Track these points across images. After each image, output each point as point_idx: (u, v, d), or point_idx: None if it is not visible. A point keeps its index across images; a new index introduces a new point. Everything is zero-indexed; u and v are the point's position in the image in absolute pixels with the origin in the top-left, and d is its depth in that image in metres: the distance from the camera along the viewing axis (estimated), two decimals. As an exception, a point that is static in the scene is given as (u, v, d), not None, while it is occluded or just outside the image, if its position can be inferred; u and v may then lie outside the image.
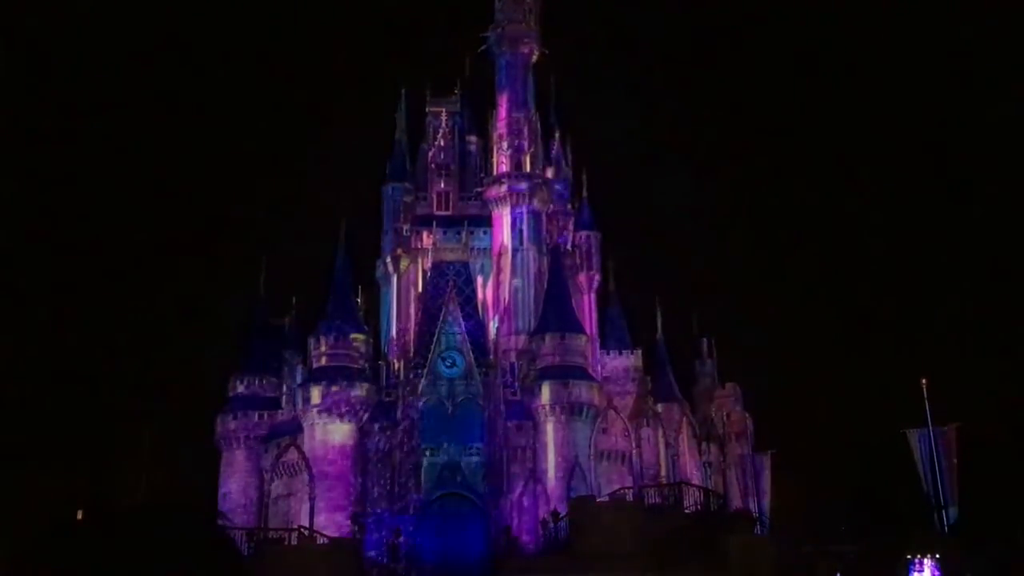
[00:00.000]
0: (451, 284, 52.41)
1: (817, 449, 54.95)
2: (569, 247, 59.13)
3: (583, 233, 59.53)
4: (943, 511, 39.64)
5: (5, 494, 47.90)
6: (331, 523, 45.94)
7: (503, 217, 56.91)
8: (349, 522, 45.21)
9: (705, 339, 59.44)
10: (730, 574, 35.03)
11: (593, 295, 59.02)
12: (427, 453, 48.16)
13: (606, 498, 44.15)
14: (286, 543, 41.46)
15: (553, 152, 61.89)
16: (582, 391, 49.84)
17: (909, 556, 34.50)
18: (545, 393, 49.58)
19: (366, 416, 49.05)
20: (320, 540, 42.16)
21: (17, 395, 59.60)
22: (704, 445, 53.78)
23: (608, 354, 57.13)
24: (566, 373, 49.95)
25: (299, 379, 52.09)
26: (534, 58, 60.51)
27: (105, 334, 69.34)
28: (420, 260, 56.73)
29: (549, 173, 60.46)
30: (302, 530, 42.87)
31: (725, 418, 55.58)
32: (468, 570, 44.35)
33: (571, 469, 48.33)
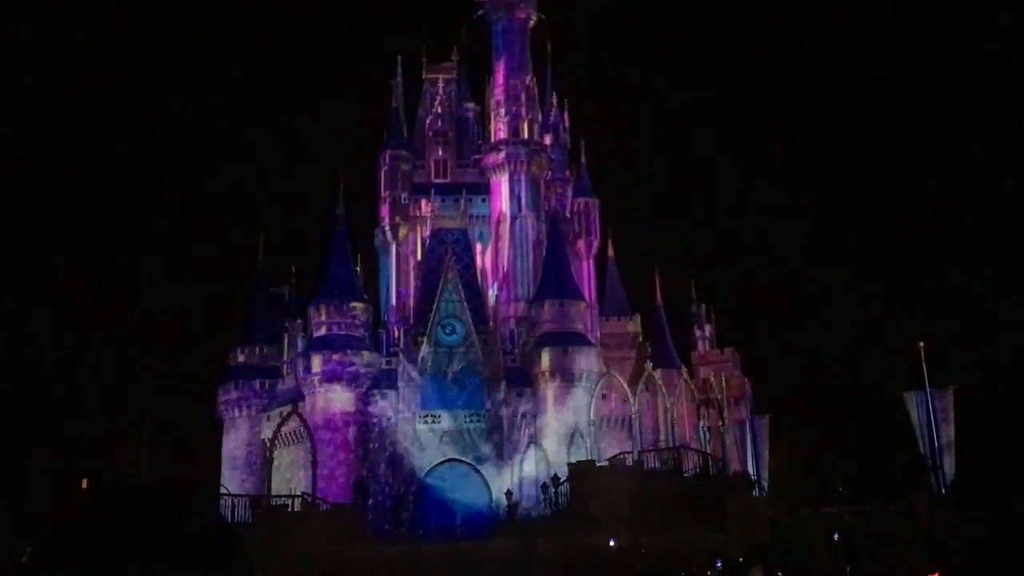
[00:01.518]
0: (450, 252, 52.51)
1: (815, 412, 55.20)
2: (568, 214, 59.15)
3: (582, 199, 59.59)
4: (940, 472, 39.95)
5: (9, 468, 48.26)
6: (334, 489, 46.39)
7: (501, 184, 56.84)
8: (352, 488, 45.62)
9: (703, 305, 59.65)
10: (728, 536, 35.40)
11: (592, 261, 59.21)
12: (428, 420, 48.51)
13: (606, 463, 44.47)
14: (289, 509, 41.88)
15: (551, 119, 61.68)
16: (581, 357, 50.11)
17: None
18: (544, 359, 49.85)
19: (367, 384, 49.32)
20: (323, 506, 42.57)
21: (18, 370, 59.87)
22: (702, 410, 53.99)
23: (607, 320, 57.43)
24: (565, 339, 50.19)
25: (300, 348, 52.32)
26: (531, 23, 60.09)
27: (105, 306, 69.49)
28: (418, 228, 56.76)
29: (547, 140, 60.35)
30: (305, 496, 43.25)
31: (723, 383, 55.78)
32: (470, 534, 44.81)
33: (571, 435, 48.73)
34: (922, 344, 40.71)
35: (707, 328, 58.89)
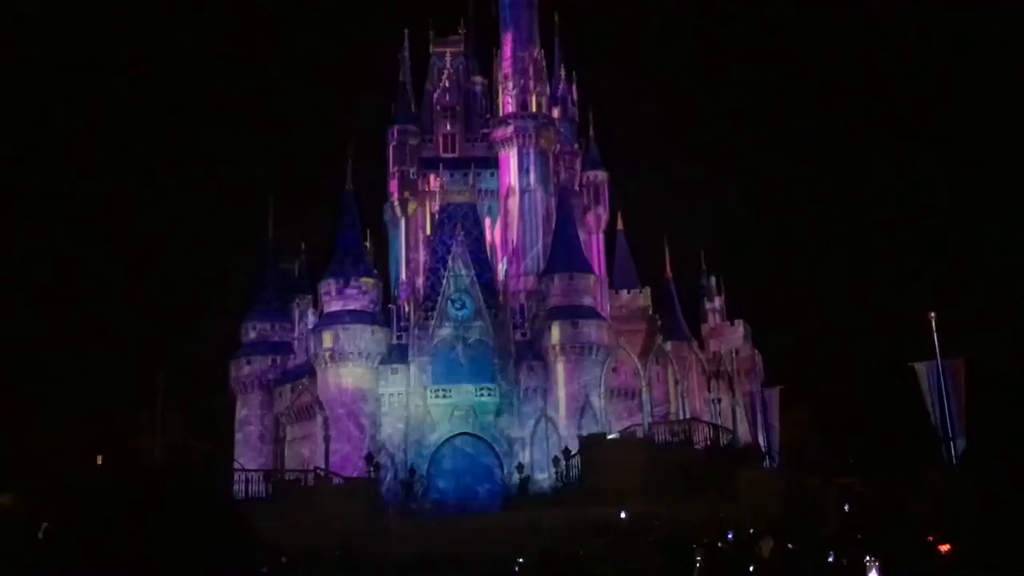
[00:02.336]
0: (459, 227, 52.31)
1: (825, 384, 55.20)
2: (577, 187, 58.94)
3: (590, 173, 59.39)
4: (951, 443, 39.93)
5: (23, 441, 48.69)
6: (347, 464, 46.68)
7: (510, 158, 56.65)
8: (364, 463, 45.89)
9: (713, 277, 59.48)
10: (740, 507, 35.50)
11: (601, 235, 59.13)
12: (439, 395, 48.63)
13: (616, 435, 44.61)
14: (303, 483, 42.21)
15: (559, 91, 61.36)
16: (591, 331, 50.13)
17: None
18: (555, 333, 49.88)
19: (378, 359, 49.49)
20: (336, 480, 42.86)
21: (33, 345, 60.22)
22: (713, 382, 54.11)
23: (617, 293, 57.37)
24: (575, 313, 50.19)
25: (311, 323, 52.47)
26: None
27: (116, 282, 69.69)
28: (427, 203, 56.69)
29: (555, 113, 60.02)
30: (318, 471, 43.57)
31: (734, 355, 55.82)
32: (483, 508, 45.10)
33: (582, 408, 48.85)
34: (933, 314, 40.62)
35: (717, 300, 58.77)
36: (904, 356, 43.40)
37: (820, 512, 32.40)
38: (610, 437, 44.36)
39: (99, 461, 44.98)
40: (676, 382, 50.82)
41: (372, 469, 45.14)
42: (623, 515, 33.85)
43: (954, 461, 39.84)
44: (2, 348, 56.34)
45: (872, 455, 43.85)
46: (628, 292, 57.32)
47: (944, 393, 40.43)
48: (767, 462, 45.39)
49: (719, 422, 50.24)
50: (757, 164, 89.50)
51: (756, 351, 57.20)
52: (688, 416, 48.16)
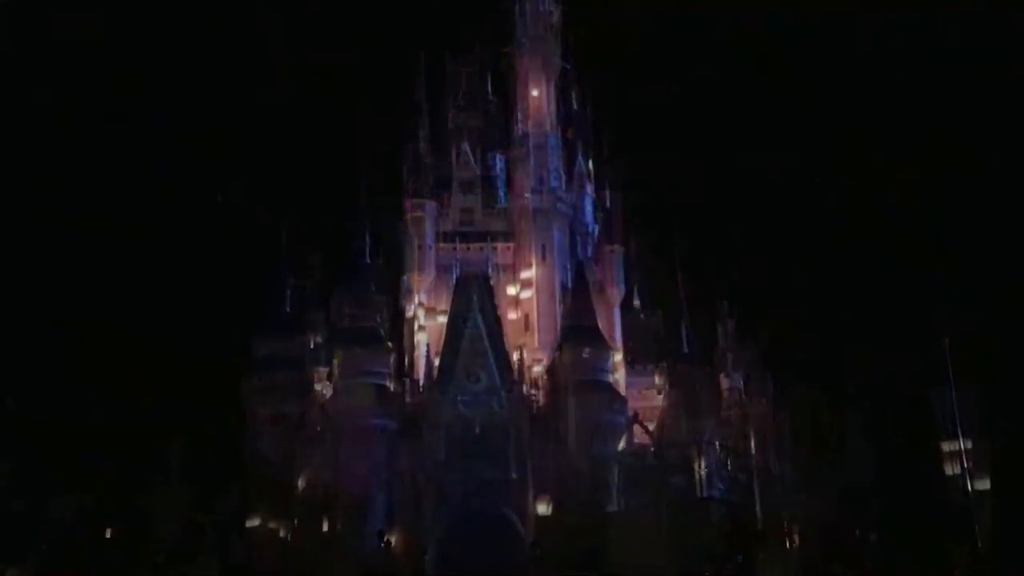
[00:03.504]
0: (475, 299, 52.02)
1: (839, 411, 53.91)
2: (593, 262, 58.75)
3: (607, 247, 59.13)
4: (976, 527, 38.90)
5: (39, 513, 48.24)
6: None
7: (529, 233, 56.88)
8: (376, 537, 45.06)
9: (730, 353, 58.78)
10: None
11: (617, 309, 58.41)
12: (452, 471, 47.95)
13: (633, 513, 44.08)
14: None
15: (576, 167, 61.66)
16: (607, 406, 49.74)
17: None
18: (570, 408, 49.44)
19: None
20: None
21: (44, 376, 59.16)
22: (731, 459, 53.41)
23: (633, 368, 56.77)
24: (591, 387, 49.86)
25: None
26: (556, 72, 60.41)
27: (126, 299, 68.84)
28: (444, 275, 56.63)
29: (573, 188, 60.29)
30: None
31: (752, 431, 55.14)
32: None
33: (598, 484, 48.11)
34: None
35: (735, 376, 57.82)
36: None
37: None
38: (623, 514, 43.91)
39: (107, 535, 44.54)
40: (694, 460, 49.95)
41: (384, 545, 44.39)
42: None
43: (979, 544, 38.82)
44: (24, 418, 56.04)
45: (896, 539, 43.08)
46: (644, 368, 56.83)
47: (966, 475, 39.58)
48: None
49: (736, 500, 49.56)
50: (775, 185, 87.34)
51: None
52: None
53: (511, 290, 56.88)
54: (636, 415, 52.18)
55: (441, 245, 57.08)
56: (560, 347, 52.13)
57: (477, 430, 48.74)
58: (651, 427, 52.20)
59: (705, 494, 47.71)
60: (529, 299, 56.16)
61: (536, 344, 54.83)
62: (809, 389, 52.28)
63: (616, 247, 59.03)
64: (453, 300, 54.21)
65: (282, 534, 49.99)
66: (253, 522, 50.74)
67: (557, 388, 50.83)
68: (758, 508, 51.75)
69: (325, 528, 47.67)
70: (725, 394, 56.76)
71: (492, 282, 55.42)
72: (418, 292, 56.13)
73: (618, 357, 55.41)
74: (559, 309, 55.14)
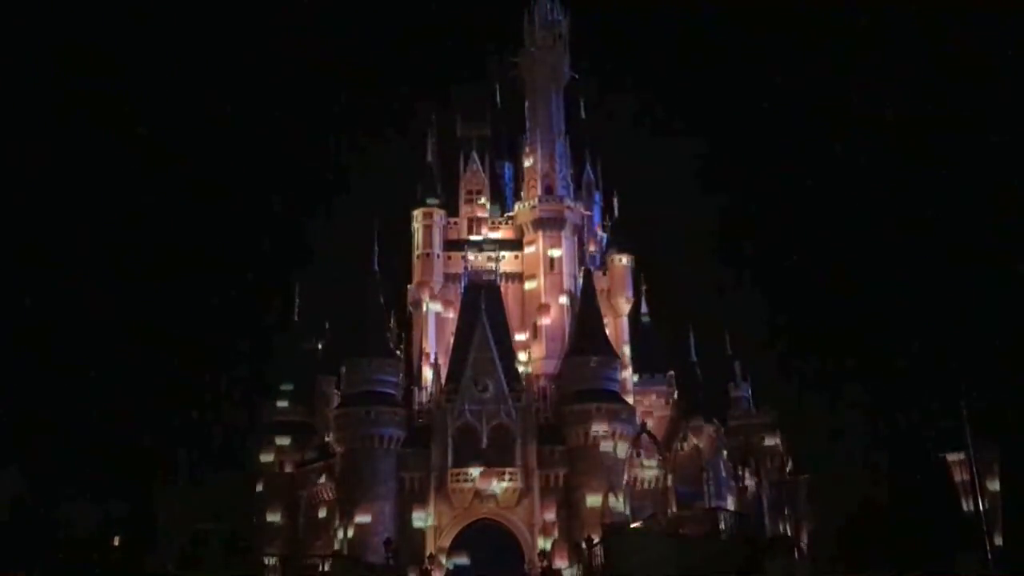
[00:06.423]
0: (482, 309, 52.18)
1: (854, 473, 54.17)
2: (601, 271, 58.86)
3: (615, 256, 59.23)
4: (987, 539, 38.66)
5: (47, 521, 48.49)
6: (367, 546, 46.07)
7: (537, 241, 57.09)
8: (384, 547, 45.13)
9: (738, 361, 58.77)
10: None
11: (625, 318, 58.71)
12: (460, 479, 47.94)
13: (640, 524, 43.77)
14: (319, 568, 41.65)
15: (584, 176, 62.08)
16: (615, 415, 49.60)
17: None
18: (577, 417, 49.39)
19: (399, 441, 49.15)
20: (355, 566, 42.33)
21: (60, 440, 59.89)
22: (739, 469, 53.26)
23: (641, 377, 56.83)
24: (598, 397, 49.76)
25: (333, 404, 52.40)
26: (565, 81, 60.99)
27: (137, 362, 69.62)
28: (452, 284, 56.77)
29: (581, 197, 60.67)
30: (336, 555, 43.07)
31: (760, 442, 55.00)
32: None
33: (605, 493, 48.04)
34: (963, 403, 39.72)
35: (743, 385, 57.92)
36: (935, 446, 42.48)
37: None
38: (633, 526, 43.58)
39: (115, 543, 44.64)
40: (701, 468, 50.03)
41: (391, 555, 44.36)
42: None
43: (988, 556, 38.61)
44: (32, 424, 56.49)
45: (904, 548, 42.75)
46: (652, 376, 56.79)
47: (976, 484, 39.39)
48: (796, 553, 44.25)
49: (745, 510, 49.39)
50: (784, 247, 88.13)
51: (782, 438, 56.20)
52: (714, 503, 47.31)
53: (519, 298, 56.96)
54: (644, 424, 52.23)
55: (449, 253, 57.36)
56: (568, 356, 52.08)
57: (484, 439, 48.74)
58: (659, 436, 52.04)
59: (713, 503, 47.44)
60: (537, 308, 56.18)
61: (544, 353, 54.85)
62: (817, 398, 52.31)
63: (624, 256, 59.04)
64: (461, 308, 54.29)
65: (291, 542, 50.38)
66: (261, 531, 51.07)
67: (564, 397, 50.75)
68: (766, 518, 51.65)
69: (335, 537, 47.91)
70: (733, 403, 56.68)
71: (500, 290, 55.50)
72: (426, 301, 56.27)
73: (626, 367, 55.44)
74: (567, 318, 55.18)
